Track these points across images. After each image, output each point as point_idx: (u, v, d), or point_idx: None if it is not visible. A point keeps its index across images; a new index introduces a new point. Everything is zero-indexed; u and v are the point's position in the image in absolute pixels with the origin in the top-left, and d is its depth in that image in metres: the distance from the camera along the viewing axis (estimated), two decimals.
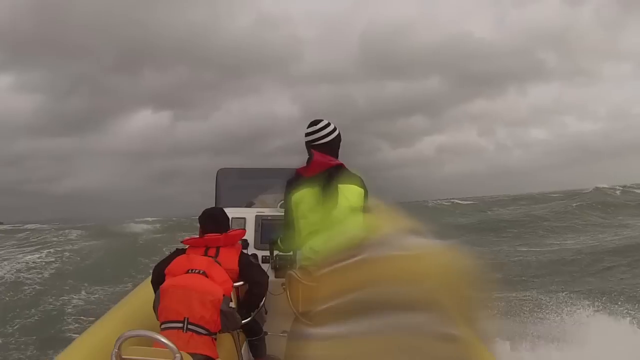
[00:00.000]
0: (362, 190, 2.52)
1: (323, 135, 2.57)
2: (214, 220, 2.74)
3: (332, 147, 2.59)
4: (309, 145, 2.60)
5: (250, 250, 3.45)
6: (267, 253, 3.26)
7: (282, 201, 3.67)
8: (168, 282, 2.47)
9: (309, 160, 2.53)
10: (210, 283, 2.45)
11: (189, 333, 2.33)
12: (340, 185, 2.42)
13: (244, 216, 3.63)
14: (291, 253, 3.05)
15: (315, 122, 2.61)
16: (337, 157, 2.60)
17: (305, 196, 2.46)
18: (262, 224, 3.60)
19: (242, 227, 3.55)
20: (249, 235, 3.55)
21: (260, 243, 3.52)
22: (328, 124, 2.60)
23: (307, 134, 2.60)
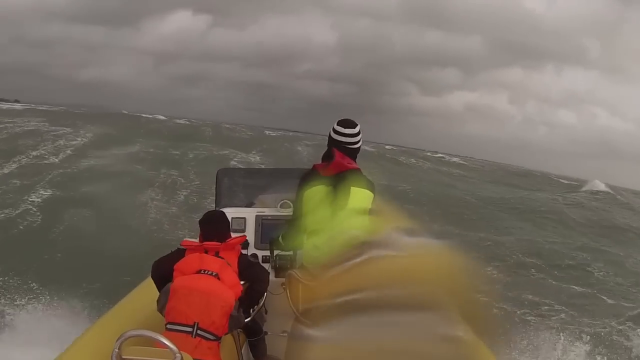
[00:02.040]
0: (371, 194, 2.56)
1: (355, 142, 2.61)
2: (214, 226, 2.72)
3: (356, 152, 2.63)
4: (335, 144, 2.60)
5: (250, 250, 3.45)
6: (267, 253, 3.25)
7: (283, 201, 3.68)
8: (180, 281, 2.42)
9: (329, 158, 2.55)
10: (223, 287, 2.41)
11: (198, 339, 2.31)
12: (352, 188, 2.47)
13: (244, 216, 3.62)
14: (291, 253, 3.06)
15: (350, 125, 2.61)
16: (354, 160, 2.62)
17: (317, 193, 2.50)
18: (262, 224, 3.60)
19: (242, 227, 3.54)
20: (249, 235, 3.55)
21: (260, 243, 3.52)
22: (359, 132, 2.62)
23: (339, 134, 2.60)
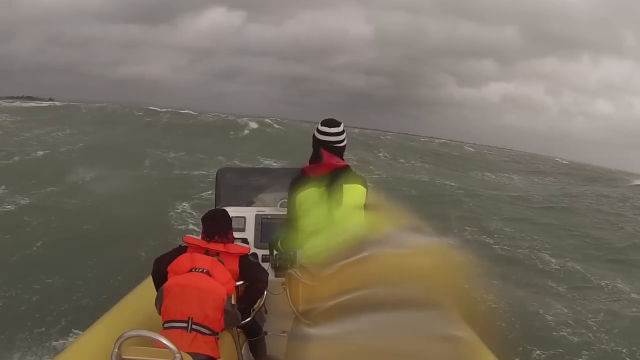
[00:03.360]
0: (364, 189, 2.57)
1: (340, 140, 2.63)
2: (216, 223, 2.74)
3: (343, 150, 2.65)
4: (321, 144, 2.61)
5: (250, 249, 3.44)
6: (267, 252, 3.25)
7: (283, 200, 3.68)
8: (171, 280, 2.47)
9: (316, 160, 2.57)
10: (214, 282, 2.46)
11: (193, 333, 2.34)
12: (345, 185, 2.48)
13: (244, 215, 3.62)
14: (291, 252, 3.05)
15: (334, 124, 2.63)
16: (342, 158, 2.64)
17: (310, 195, 2.51)
18: (262, 223, 3.60)
19: (242, 226, 3.55)
20: (249, 235, 3.55)
21: (260, 242, 3.52)
22: (344, 130, 2.65)
23: (325, 134, 2.62)
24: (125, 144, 16.91)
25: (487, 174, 23.91)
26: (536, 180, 24.60)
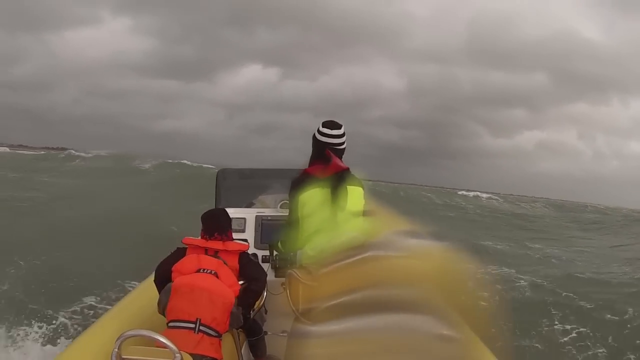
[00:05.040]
0: (362, 190, 2.60)
1: (342, 142, 2.65)
2: (216, 221, 2.75)
3: (343, 152, 2.67)
4: (324, 145, 2.62)
5: (250, 250, 3.45)
6: (267, 253, 3.26)
7: (283, 201, 3.68)
8: (180, 280, 2.46)
9: (321, 161, 2.57)
10: (222, 285, 2.46)
11: (200, 334, 2.33)
12: (349, 187, 2.51)
13: (244, 216, 3.63)
14: (291, 253, 3.06)
15: (335, 126, 2.65)
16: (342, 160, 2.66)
17: (314, 196, 2.52)
18: (262, 224, 3.61)
19: (242, 227, 3.55)
20: (249, 235, 3.55)
21: (260, 243, 3.52)
22: (344, 133, 2.66)
23: (327, 135, 2.63)
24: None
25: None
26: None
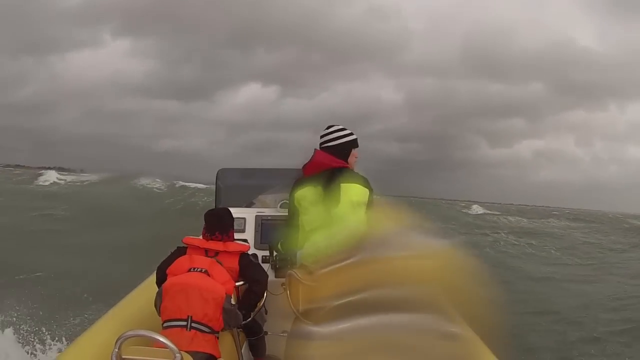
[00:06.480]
0: (365, 189, 2.55)
1: (331, 139, 2.67)
2: (219, 219, 2.76)
3: (339, 150, 2.66)
4: (319, 145, 2.69)
5: (250, 250, 3.44)
6: (267, 253, 3.26)
7: (283, 201, 3.68)
8: (170, 280, 2.48)
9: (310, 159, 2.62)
10: (212, 281, 2.47)
11: (193, 331, 2.34)
12: (342, 184, 2.49)
13: (244, 216, 3.63)
14: (292, 254, 3.06)
15: (329, 127, 2.71)
16: (345, 160, 2.65)
17: (306, 194, 2.56)
18: (262, 224, 3.61)
19: (242, 227, 3.55)
20: (249, 235, 3.55)
21: (260, 243, 3.52)
22: (340, 129, 2.69)
23: (320, 137, 2.70)
24: None
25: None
26: None
